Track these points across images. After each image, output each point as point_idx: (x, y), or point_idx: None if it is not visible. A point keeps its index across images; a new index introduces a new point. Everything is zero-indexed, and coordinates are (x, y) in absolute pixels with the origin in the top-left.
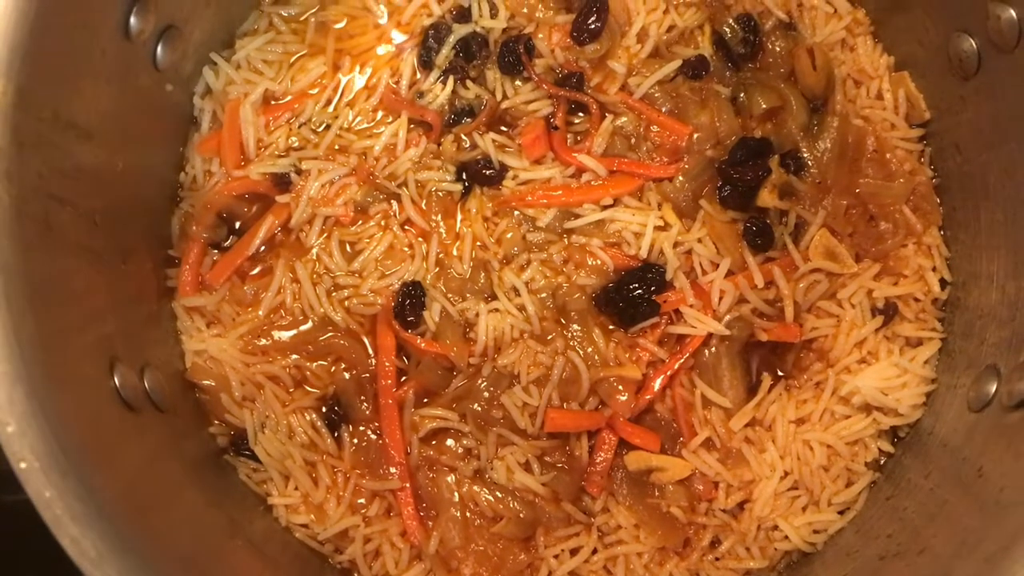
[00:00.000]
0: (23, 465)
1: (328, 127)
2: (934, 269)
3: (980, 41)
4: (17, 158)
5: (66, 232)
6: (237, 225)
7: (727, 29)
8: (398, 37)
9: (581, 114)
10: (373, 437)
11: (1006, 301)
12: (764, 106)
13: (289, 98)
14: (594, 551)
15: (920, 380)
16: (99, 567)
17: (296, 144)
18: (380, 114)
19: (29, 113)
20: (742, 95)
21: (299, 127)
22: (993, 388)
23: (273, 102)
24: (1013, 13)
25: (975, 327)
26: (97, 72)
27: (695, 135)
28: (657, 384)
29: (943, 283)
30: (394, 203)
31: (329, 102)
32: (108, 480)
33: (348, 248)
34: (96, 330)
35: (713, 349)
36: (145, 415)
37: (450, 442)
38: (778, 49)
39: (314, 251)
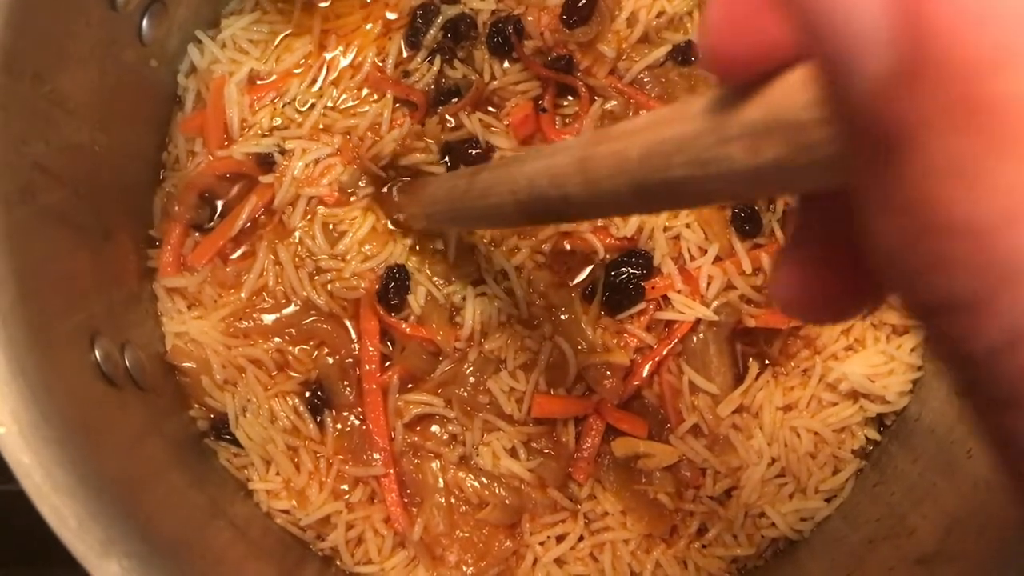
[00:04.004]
0: (2, 430)
1: (313, 106)
2: None
3: None
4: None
5: (48, 201)
6: (220, 206)
7: None
8: (386, 17)
9: (570, 97)
10: (356, 423)
11: None
12: None
13: (274, 78)
14: (580, 538)
15: (907, 367)
16: (81, 537)
17: (280, 124)
18: (365, 92)
19: (13, 76)
20: None
21: (283, 107)
22: None
23: (258, 82)
24: None
25: None
26: (82, 41)
27: None
28: (645, 370)
29: None
30: None
31: (314, 81)
32: (90, 451)
33: (332, 230)
34: (77, 303)
35: (701, 335)
36: (127, 392)
37: (435, 428)
38: None
39: (297, 234)
